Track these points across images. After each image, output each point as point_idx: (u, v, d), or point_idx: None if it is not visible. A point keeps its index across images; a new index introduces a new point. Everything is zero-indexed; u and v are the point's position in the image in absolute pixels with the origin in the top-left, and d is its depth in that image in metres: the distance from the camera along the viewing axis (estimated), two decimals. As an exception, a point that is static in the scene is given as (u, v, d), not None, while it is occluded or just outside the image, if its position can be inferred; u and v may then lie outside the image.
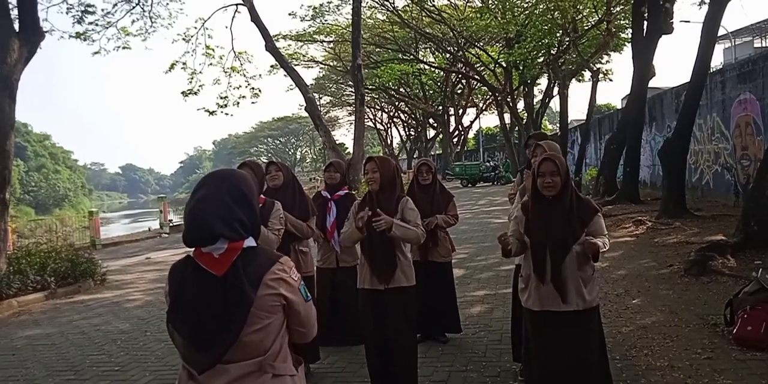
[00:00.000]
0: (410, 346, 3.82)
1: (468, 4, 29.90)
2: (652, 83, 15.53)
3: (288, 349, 1.87)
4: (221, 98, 19.25)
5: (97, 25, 17.37)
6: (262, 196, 4.05)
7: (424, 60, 38.48)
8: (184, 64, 18.89)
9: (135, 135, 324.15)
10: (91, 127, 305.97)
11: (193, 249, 1.81)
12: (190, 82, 19.00)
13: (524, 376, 4.01)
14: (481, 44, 33.50)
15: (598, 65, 25.23)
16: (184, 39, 18.75)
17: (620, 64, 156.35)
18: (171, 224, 20.72)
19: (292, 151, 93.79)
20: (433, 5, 29.88)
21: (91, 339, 6.28)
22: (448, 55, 36.82)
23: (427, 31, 32.67)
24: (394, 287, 3.74)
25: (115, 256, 14.04)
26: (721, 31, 11.88)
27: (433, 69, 39.70)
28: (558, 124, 30.08)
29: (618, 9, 20.92)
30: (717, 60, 15.83)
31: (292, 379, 1.84)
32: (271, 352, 1.79)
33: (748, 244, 7.41)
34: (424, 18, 31.20)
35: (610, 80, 28.37)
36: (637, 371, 4.20)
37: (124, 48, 18.18)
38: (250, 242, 1.81)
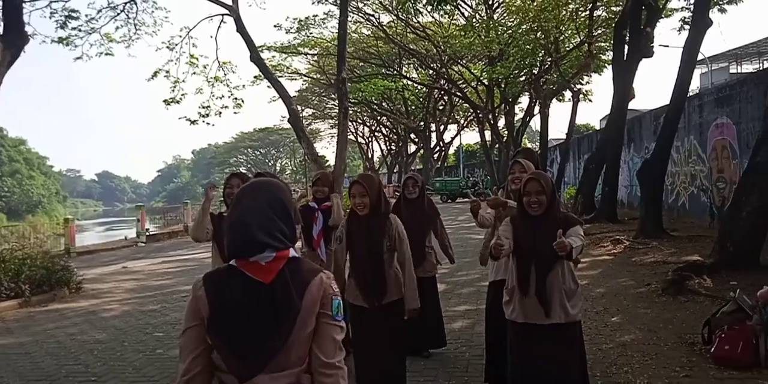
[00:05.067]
0: (399, 359, 3.82)
1: (452, 21, 30.27)
2: (631, 105, 15.85)
3: None
4: (203, 107, 19.10)
5: (80, 30, 17.29)
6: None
7: (407, 75, 38.79)
8: (167, 72, 18.76)
9: (112, 142, 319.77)
10: (68, 133, 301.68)
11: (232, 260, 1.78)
12: (173, 90, 18.86)
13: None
14: (464, 62, 33.87)
15: (579, 86, 25.69)
16: (168, 47, 18.64)
17: (600, 86, 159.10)
18: (148, 233, 20.50)
19: (272, 162, 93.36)
20: (418, 22, 30.19)
21: (66, 348, 6.16)
22: (431, 72, 37.15)
23: (411, 47, 32.97)
24: (385, 303, 3.74)
25: (91, 264, 13.81)
26: (699, 56, 12.15)
27: (415, 85, 40.02)
28: (538, 143, 30.44)
29: (600, 31, 21.36)
30: (694, 84, 16.30)
31: None
32: (308, 362, 1.78)
33: (724, 265, 7.56)
34: (408, 34, 31.51)
35: (590, 101, 28.88)
36: (618, 388, 4.25)
37: (106, 54, 18.11)
38: (292, 252, 1.82)
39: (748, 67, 37.76)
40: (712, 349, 4.65)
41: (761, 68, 30.76)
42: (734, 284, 6.77)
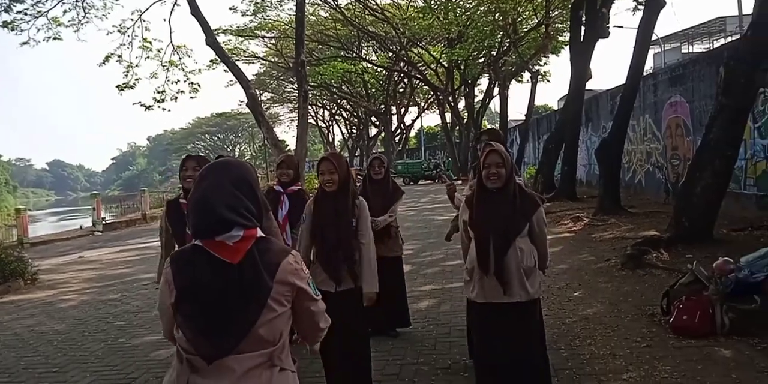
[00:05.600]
0: (363, 340, 3.79)
1: (411, 3, 30.11)
2: (588, 85, 16.07)
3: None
4: (158, 92, 18.61)
5: (26, 14, 16.64)
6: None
7: (367, 58, 38.54)
8: (119, 56, 18.21)
9: (64, 130, 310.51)
10: (16, 121, 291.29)
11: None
12: (126, 75, 18.34)
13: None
14: (423, 44, 33.81)
15: (537, 67, 25.95)
16: (119, 31, 18.09)
17: (558, 67, 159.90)
18: (104, 222, 20.05)
19: (230, 147, 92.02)
20: (376, 4, 29.94)
21: (24, 340, 5.99)
22: (390, 54, 36.99)
23: (370, 29, 32.71)
24: (355, 287, 3.70)
25: (45, 255, 13.45)
26: (652, 37, 12.39)
27: (375, 68, 39.81)
28: (498, 124, 30.72)
29: (556, 13, 21.55)
30: (648, 64, 16.53)
31: (294, 375, 1.82)
32: (280, 344, 1.76)
33: (680, 239, 7.79)
34: (367, 16, 31.22)
35: (548, 82, 29.26)
36: (582, 360, 4.34)
37: (54, 39, 17.47)
38: (260, 232, 1.77)
39: (699, 47, 38.72)
40: (671, 319, 4.79)
41: (711, 48, 31.55)
42: (690, 257, 6.98)
